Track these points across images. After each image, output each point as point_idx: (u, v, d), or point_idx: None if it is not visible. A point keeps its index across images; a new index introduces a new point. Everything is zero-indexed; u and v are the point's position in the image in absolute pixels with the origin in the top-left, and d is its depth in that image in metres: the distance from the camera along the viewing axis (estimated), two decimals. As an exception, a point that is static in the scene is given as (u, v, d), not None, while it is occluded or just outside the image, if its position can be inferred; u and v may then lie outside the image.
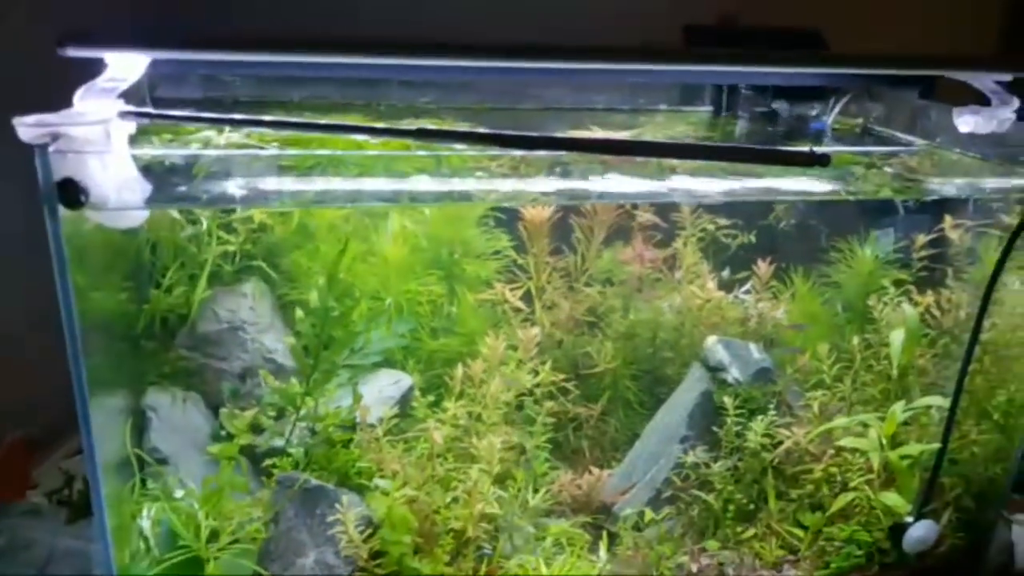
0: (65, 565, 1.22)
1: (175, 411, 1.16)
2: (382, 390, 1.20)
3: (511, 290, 1.32)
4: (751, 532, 1.25)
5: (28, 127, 0.79)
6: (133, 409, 1.13)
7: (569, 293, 1.35)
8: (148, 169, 0.88)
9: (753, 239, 1.40)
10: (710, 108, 1.46)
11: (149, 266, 1.23)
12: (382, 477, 1.10)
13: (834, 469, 1.24)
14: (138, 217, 0.90)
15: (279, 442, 1.14)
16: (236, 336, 1.21)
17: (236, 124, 0.98)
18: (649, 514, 1.24)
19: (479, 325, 1.31)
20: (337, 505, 1.04)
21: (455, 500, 1.12)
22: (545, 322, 1.32)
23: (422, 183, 0.98)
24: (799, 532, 1.24)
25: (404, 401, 1.22)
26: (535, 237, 1.31)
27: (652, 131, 1.27)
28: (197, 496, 1.05)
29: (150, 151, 0.91)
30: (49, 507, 1.37)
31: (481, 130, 0.89)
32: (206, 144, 1.05)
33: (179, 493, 1.05)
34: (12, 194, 1.00)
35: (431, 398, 1.23)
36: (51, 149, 0.79)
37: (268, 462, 1.11)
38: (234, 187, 0.93)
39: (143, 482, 1.06)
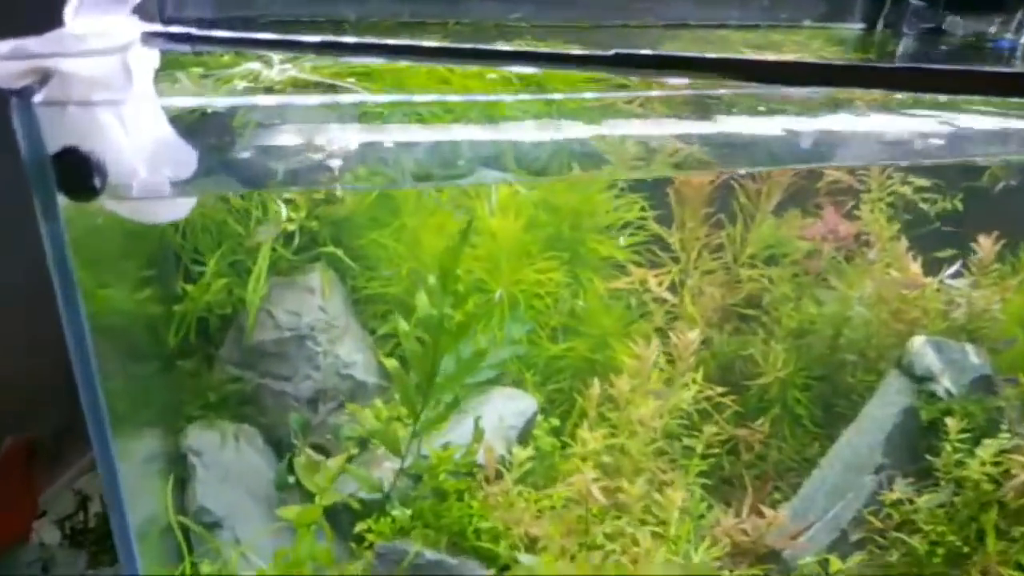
0: (91, 630, 0.96)
1: (226, 453, 0.85)
2: (502, 418, 0.89)
3: (655, 276, 1.00)
4: (961, 581, 0.99)
5: (-7, 60, 0.46)
6: (171, 455, 0.83)
7: (725, 278, 1.03)
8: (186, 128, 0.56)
9: (959, 205, 1.08)
10: (862, 25, 1.12)
11: (176, 251, 0.90)
12: (512, 545, 0.81)
13: (1076, 506, 0.97)
14: (183, 207, 0.58)
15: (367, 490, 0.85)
16: (303, 347, 0.89)
17: (318, 50, 0.64)
18: (836, 563, 0.98)
19: (612, 323, 1.00)
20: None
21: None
22: (697, 319, 1.01)
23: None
24: (1021, 578, 0.99)
25: (527, 431, 0.92)
26: (690, 206, 0.98)
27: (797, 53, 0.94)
28: (269, 578, 0.76)
29: (191, 100, 0.58)
30: (62, 551, 1.10)
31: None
32: (255, 79, 0.73)
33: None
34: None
35: (554, 422, 0.95)
36: (37, 99, 0.45)
37: (361, 527, 0.81)
38: (330, 157, 0.61)
39: (193, 566, 0.77)
